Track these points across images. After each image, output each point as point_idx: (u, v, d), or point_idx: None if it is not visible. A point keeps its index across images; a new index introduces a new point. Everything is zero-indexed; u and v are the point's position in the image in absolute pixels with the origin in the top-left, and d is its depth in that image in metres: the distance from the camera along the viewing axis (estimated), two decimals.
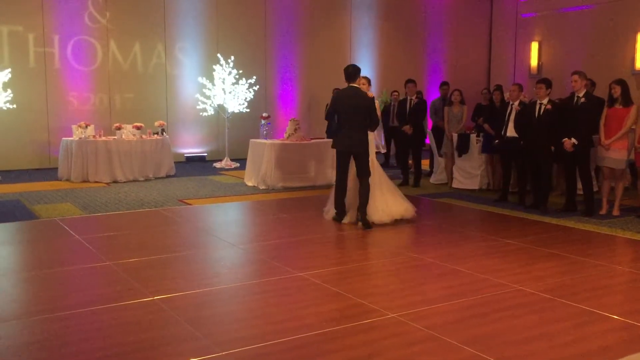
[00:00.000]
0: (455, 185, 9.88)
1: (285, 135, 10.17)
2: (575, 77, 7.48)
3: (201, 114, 12.54)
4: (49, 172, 11.13)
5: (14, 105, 10.91)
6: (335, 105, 7.07)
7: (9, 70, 10.92)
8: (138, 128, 10.60)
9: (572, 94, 7.68)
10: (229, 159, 12.45)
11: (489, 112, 9.40)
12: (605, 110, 7.52)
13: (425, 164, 10.92)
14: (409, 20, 16.11)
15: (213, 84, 12.29)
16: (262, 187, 9.56)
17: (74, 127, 10.41)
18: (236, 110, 12.44)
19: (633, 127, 7.44)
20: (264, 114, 11.73)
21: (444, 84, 11.58)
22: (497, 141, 8.63)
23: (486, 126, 9.31)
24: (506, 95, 9.12)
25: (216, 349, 3.50)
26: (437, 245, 6.12)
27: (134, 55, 12.73)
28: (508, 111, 8.35)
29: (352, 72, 7.00)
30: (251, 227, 7.42)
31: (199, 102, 12.37)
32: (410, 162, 10.37)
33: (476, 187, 9.62)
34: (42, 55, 11.82)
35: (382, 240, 6.46)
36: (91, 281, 4.90)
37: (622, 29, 13.97)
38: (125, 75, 12.67)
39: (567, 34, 15.15)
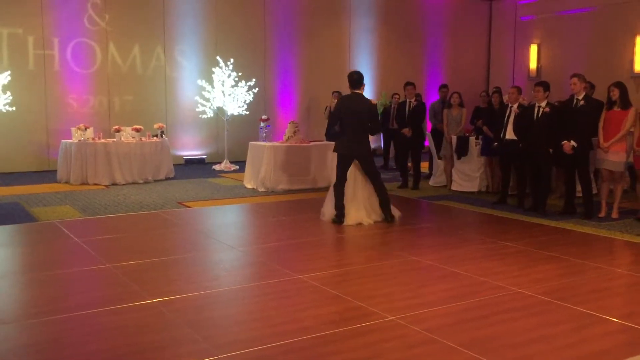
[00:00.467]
0: (454, 187, 9.89)
1: (285, 137, 10.17)
2: (575, 79, 7.48)
3: (200, 116, 12.55)
4: (48, 175, 11.13)
5: (14, 108, 10.93)
6: (340, 110, 7.25)
7: (9, 72, 10.94)
8: (137, 130, 10.61)
9: (572, 97, 7.69)
10: (228, 162, 12.45)
11: (488, 115, 9.41)
12: (603, 112, 7.52)
13: (424, 166, 10.93)
14: (408, 22, 16.13)
15: (212, 87, 12.30)
16: (261, 189, 9.56)
17: (73, 129, 10.41)
18: (235, 113, 12.45)
19: (631, 129, 7.45)
20: (263, 117, 11.74)
21: (443, 86, 11.60)
22: (496, 144, 8.63)
23: (485, 129, 9.32)
24: (505, 97, 9.13)
25: (215, 351, 3.50)
26: (436, 247, 6.12)
27: (133, 57, 12.73)
28: (507, 114, 8.36)
29: (357, 79, 7.20)
30: (250, 229, 7.42)
31: (198, 105, 12.38)
32: (409, 164, 10.38)
33: (475, 189, 9.62)
34: (41, 58, 11.83)
35: (381, 242, 6.46)
36: (90, 284, 4.89)
37: (621, 32, 14.00)
38: (125, 78, 12.68)
39: (566, 37, 15.18)
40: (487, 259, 5.64)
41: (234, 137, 12.81)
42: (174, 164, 11.47)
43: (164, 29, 12.98)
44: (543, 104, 7.73)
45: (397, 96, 12.57)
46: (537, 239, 6.43)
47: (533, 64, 16.08)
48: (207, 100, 12.32)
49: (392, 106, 12.29)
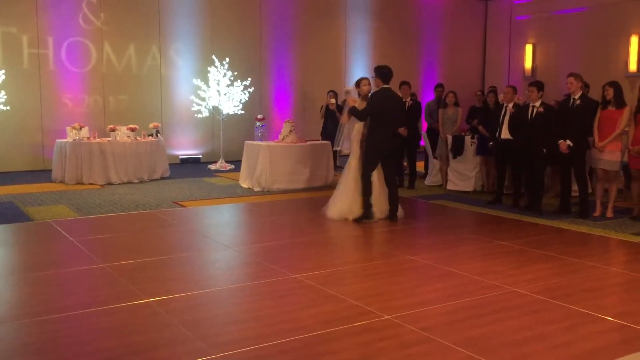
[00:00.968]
0: (449, 187, 9.91)
1: (280, 137, 10.17)
2: (571, 79, 7.50)
3: (196, 115, 12.54)
4: (42, 174, 11.09)
5: (8, 107, 10.89)
6: (380, 105, 7.10)
7: (3, 71, 10.89)
8: (132, 130, 10.58)
9: (568, 96, 7.71)
10: (223, 161, 12.44)
11: (484, 114, 9.42)
12: (598, 112, 7.55)
13: (420, 165, 10.94)
14: (403, 22, 16.14)
15: (208, 86, 12.28)
16: (257, 189, 9.55)
17: (68, 128, 10.38)
18: (231, 112, 12.44)
19: (626, 129, 7.47)
20: (259, 116, 11.73)
21: (439, 86, 11.59)
22: (491, 143, 8.65)
23: (480, 128, 9.33)
24: (500, 97, 9.14)
25: (211, 351, 3.50)
26: (431, 247, 6.13)
27: (128, 56, 12.70)
28: (502, 113, 8.37)
29: (389, 73, 7.22)
30: (246, 229, 7.41)
31: (194, 104, 12.37)
32: (405, 164, 10.37)
33: (471, 188, 9.64)
34: (36, 57, 11.78)
35: (376, 242, 6.46)
36: (85, 283, 4.88)
37: (615, 32, 14.03)
38: (120, 77, 12.64)
39: (561, 37, 15.21)
40: (483, 258, 5.65)
41: (230, 137, 12.80)
42: (169, 164, 11.44)
43: (159, 28, 12.95)
44: (537, 103, 7.75)
45: None
46: (532, 238, 6.45)
47: (528, 64, 16.12)
48: (203, 99, 12.30)
49: None
